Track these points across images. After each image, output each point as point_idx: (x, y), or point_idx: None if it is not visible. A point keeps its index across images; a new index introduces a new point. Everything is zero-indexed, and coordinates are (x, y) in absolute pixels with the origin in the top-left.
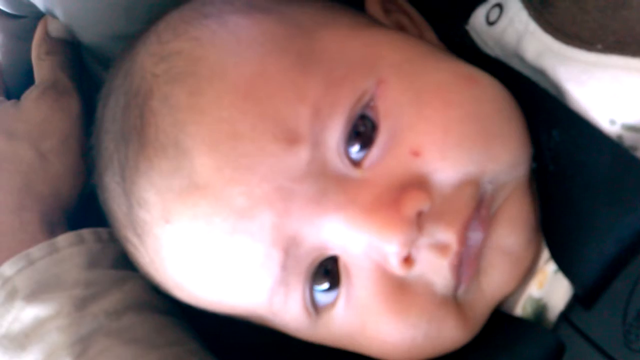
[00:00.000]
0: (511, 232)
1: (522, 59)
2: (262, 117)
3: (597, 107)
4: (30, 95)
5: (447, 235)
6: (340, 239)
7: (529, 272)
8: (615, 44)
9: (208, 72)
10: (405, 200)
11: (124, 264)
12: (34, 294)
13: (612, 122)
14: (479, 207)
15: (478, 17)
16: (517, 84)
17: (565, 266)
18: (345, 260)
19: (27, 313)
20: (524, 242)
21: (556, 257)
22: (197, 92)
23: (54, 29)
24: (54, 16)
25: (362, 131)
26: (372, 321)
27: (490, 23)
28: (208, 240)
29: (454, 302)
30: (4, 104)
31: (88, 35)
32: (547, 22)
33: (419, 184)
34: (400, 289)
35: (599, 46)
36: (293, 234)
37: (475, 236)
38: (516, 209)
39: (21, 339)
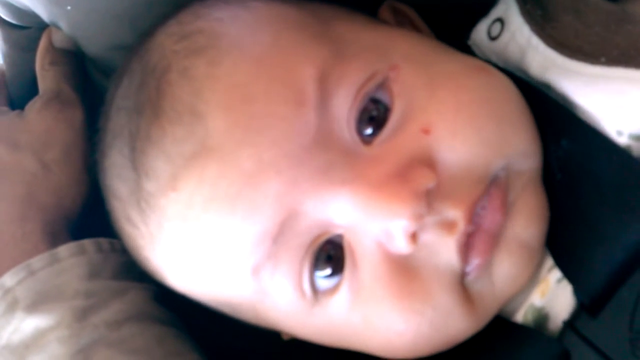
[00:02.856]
0: (528, 223)
1: (526, 74)
2: (273, 81)
3: (604, 119)
4: (34, 106)
5: (454, 213)
6: (345, 215)
7: (532, 280)
8: (619, 57)
9: (227, 45)
10: (413, 176)
11: (125, 274)
12: (35, 305)
13: (620, 133)
14: (491, 190)
15: (479, 32)
16: (524, 92)
17: (570, 274)
18: (349, 240)
19: (28, 324)
20: (539, 236)
21: (561, 264)
22: (216, 63)
23: (58, 39)
24: (58, 27)
25: (375, 115)
26: (375, 308)
27: (492, 38)
28: (209, 210)
29: (463, 289)
30: (8, 114)
31: (92, 46)
32: (549, 36)
33: (428, 160)
34: (405, 273)
35: (603, 59)
36: (295, 207)
37: (492, 218)
38: (533, 202)
39: (22, 350)
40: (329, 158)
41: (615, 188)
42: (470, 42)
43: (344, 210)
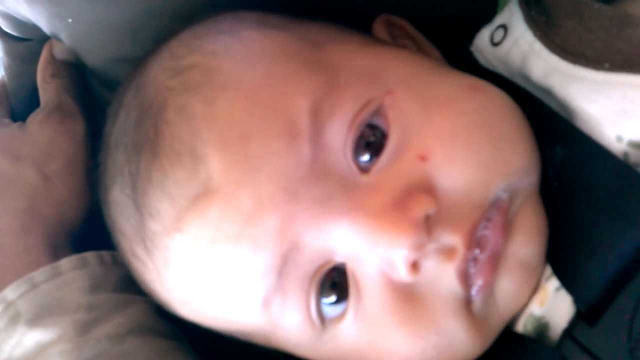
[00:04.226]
0: (528, 242)
1: (527, 79)
2: (267, 117)
3: (605, 124)
4: (35, 118)
5: (453, 239)
6: (346, 245)
7: None
8: (623, 62)
9: (222, 81)
10: (412, 203)
11: (127, 287)
12: (37, 318)
13: (619, 139)
14: (493, 213)
15: (482, 38)
16: (521, 101)
17: (568, 282)
18: (352, 269)
19: (30, 338)
20: (539, 253)
21: (559, 273)
22: (212, 101)
23: (59, 51)
24: (59, 39)
25: (372, 141)
26: (381, 333)
27: (495, 44)
28: (213, 249)
29: (468, 314)
30: (10, 126)
31: (93, 58)
32: (552, 42)
33: (426, 187)
34: (409, 298)
35: (607, 65)
36: (295, 239)
37: (495, 240)
38: (532, 218)
39: None
40: (326, 189)
41: (609, 196)
42: (472, 48)
43: (344, 241)
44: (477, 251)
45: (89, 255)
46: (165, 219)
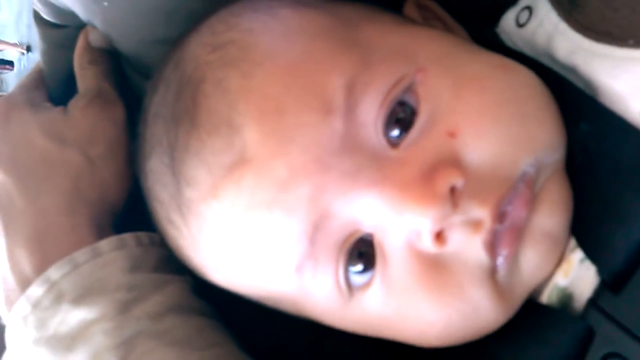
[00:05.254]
0: (553, 214)
1: (552, 58)
2: (303, 91)
3: (629, 99)
4: (77, 103)
5: (480, 212)
6: (374, 215)
7: None
8: None
9: (259, 57)
10: (438, 176)
11: (165, 267)
12: (80, 298)
13: None
14: (520, 187)
15: (508, 20)
16: (546, 79)
17: (592, 252)
18: (379, 239)
19: (74, 316)
20: (563, 225)
21: (583, 243)
22: (249, 75)
23: (95, 38)
24: (94, 26)
25: (402, 117)
26: (407, 300)
27: (520, 25)
28: (248, 215)
29: (492, 282)
30: (53, 110)
31: (128, 42)
32: (576, 21)
33: (453, 161)
34: (435, 267)
35: (631, 41)
36: (326, 208)
37: (518, 214)
38: (557, 191)
39: (68, 341)
40: (357, 161)
41: (632, 168)
42: (498, 30)
43: (372, 211)
44: (504, 223)
45: (128, 237)
46: (201, 186)
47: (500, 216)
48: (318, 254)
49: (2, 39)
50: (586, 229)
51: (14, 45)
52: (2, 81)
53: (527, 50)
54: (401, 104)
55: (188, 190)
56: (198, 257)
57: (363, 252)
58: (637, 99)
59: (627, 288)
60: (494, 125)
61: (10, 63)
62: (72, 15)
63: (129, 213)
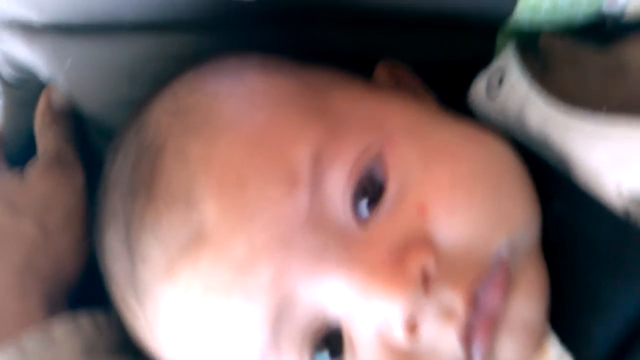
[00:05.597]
0: (529, 300)
1: (524, 129)
2: (266, 161)
3: (604, 176)
4: (34, 167)
5: (453, 297)
6: (340, 300)
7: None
8: (619, 107)
9: (222, 124)
10: (409, 258)
11: (122, 349)
12: None
13: (619, 193)
14: (494, 269)
15: (478, 88)
16: (518, 155)
17: (570, 344)
18: (347, 328)
19: None
20: (541, 312)
21: (560, 334)
22: (211, 143)
23: (58, 98)
24: (57, 83)
25: (370, 190)
26: None
27: (492, 97)
28: (205, 299)
29: None
30: (7, 175)
31: (91, 102)
32: (548, 86)
33: (424, 241)
34: None
35: (604, 108)
36: (289, 293)
37: (492, 301)
38: (533, 274)
39: None
40: (323, 240)
41: (609, 254)
42: (469, 102)
43: (339, 295)
44: (477, 310)
45: (83, 319)
46: (156, 266)
47: (474, 301)
48: (281, 343)
49: None
50: (563, 318)
51: None
52: None
53: (500, 120)
54: (369, 178)
55: (143, 270)
56: (154, 343)
57: (330, 339)
58: (612, 174)
59: None
60: (466, 201)
61: None
62: (34, 73)
63: (87, 282)
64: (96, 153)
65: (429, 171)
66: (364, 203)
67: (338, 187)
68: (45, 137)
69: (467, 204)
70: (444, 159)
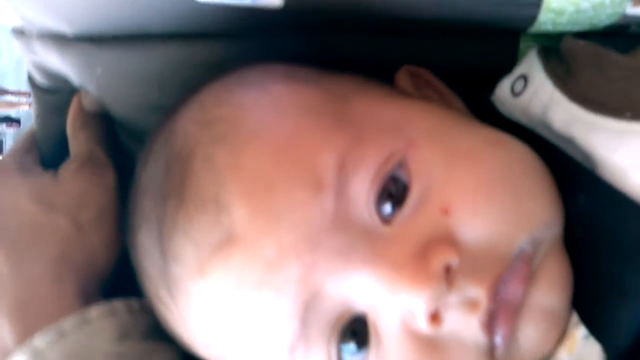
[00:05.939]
0: (551, 290)
1: (549, 128)
2: (293, 168)
3: (628, 173)
4: (68, 167)
5: (477, 291)
6: (367, 295)
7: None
8: None
9: (249, 133)
10: (433, 255)
11: (156, 334)
12: None
13: None
14: (516, 265)
15: (503, 89)
16: (542, 150)
17: (596, 331)
18: (373, 319)
19: None
20: (563, 301)
21: (586, 321)
22: (238, 152)
23: (88, 103)
24: (87, 90)
25: (394, 193)
26: None
27: (516, 94)
28: (236, 295)
29: None
30: (43, 175)
31: (121, 108)
32: (572, 91)
33: (447, 239)
34: (431, 348)
35: (628, 114)
36: (317, 288)
37: (514, 291)
38: (556, 267)
39: None
40: (348, 239)
41: (635, 247)
42: (493, 98)
43: (365, 290)
44: (499, 301)
45: (118, 303)
46: (188, 264)
47: (496, 293)
48: (310, 335)
49: (2, 86)
50: (589, 305)
51: (19, 93)
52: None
53: (523, 120)
54: (393, 179)
55: (175, 267)
56: (187, 335)
57: (357, 330)
58: (637, 172)
59: None
60: (489, 203)
61: (17, 121)
62: (65, 80)
63: (119, 278)
64: (127, 155)
65: (452, 174)
66: (388, 204)
67: (362, 191)
68: (77, 140)
69: (489, 206)
70: (467, 163)
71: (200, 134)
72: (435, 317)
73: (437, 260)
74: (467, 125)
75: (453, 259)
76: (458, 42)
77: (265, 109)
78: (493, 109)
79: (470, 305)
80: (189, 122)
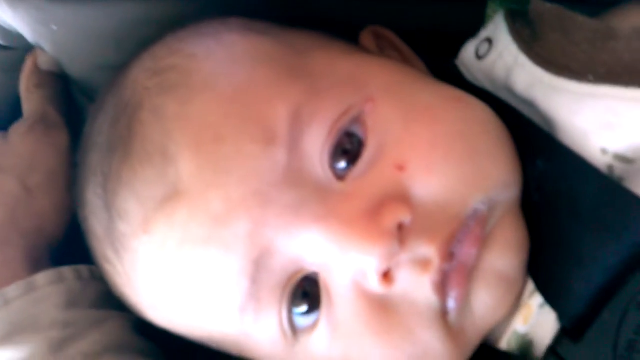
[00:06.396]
0: (505, 254)
1: (511, 92)
2: (244, 119)
3: (589, 137)
4: (18, 128)
5: (428, 250)
6: (318, 253)
7: (514, 306)
8: (606, 74)
9: (200, 83)
10: (385, 212)
11: (105, 303)
12: (8, 336)
13: (604, 152)
14: (470, 225)
15: (468, 52)
16: (503, 114)
17: (551, 298)
18: (324, 278)
19: (0, 357)
20: (518, 266)
21: (542, 288)
22: (187, 102)
23: (44, 61)
24: (42, 48)
25: (349, 149)
26: (354, 344)
27: (480, 57)
28: (182, 252)
29: (443, 324)
30: None
31: (76, 66)
32: (537, 54)
33: (401, 196)
34: (383, 309)
35: (590, 77)
36: (267, 245)
37: (467, 252)
38: (511, 230)
39: None
40: (300, 195)
41: (592, 209)
42: (457, 62)
43: (316, 248)
44: (453, 262)
45: (66, 270)
46: (133, 220)
47: (449, 255)
48: (260, 295)
49: None
50: (544, 273)
51: None
52: None
53: (486, 84)
54: (349, 135)
55: (120, 224)
56: (134, 296)
57: (308, 291)
58: (597, 136)
59: (587, 335)
60: (445, 160)
61: None
62: (19, 37)
63: (70, 244)
64: (82, 112)
65: (408, 130)
66: (342, 160)
67: (316, 145)
68: (31, 100)
69: (445, 163)
70: (424, 119)
71: (150, 84)
72: (386, 276)
73: (389, 217)
74: (426, 83)
75: (405, 217)
76: (426, 6)
77: (219, 58)
78: (457, 73)
79: (422, 264)
80: (139, 71)
